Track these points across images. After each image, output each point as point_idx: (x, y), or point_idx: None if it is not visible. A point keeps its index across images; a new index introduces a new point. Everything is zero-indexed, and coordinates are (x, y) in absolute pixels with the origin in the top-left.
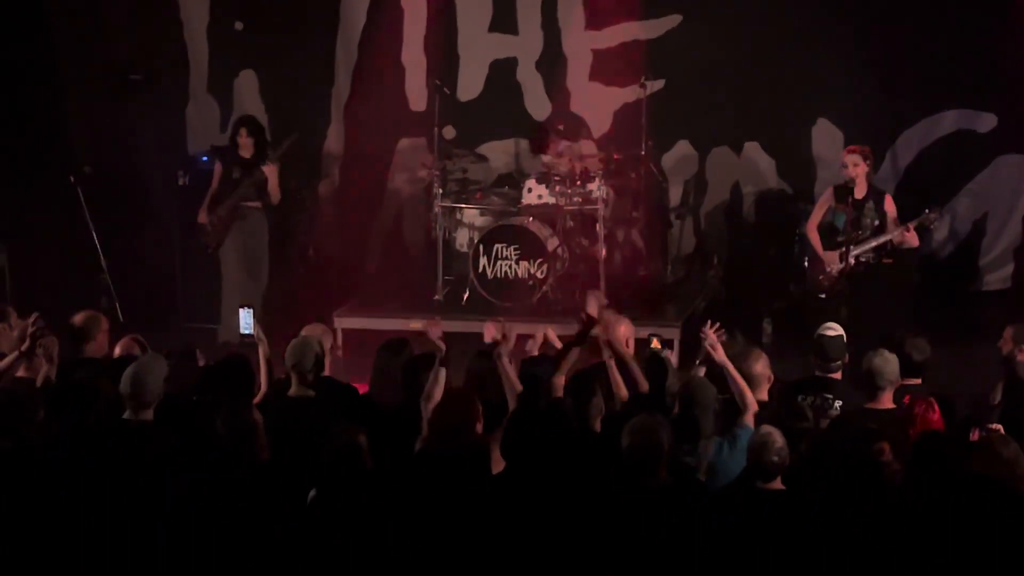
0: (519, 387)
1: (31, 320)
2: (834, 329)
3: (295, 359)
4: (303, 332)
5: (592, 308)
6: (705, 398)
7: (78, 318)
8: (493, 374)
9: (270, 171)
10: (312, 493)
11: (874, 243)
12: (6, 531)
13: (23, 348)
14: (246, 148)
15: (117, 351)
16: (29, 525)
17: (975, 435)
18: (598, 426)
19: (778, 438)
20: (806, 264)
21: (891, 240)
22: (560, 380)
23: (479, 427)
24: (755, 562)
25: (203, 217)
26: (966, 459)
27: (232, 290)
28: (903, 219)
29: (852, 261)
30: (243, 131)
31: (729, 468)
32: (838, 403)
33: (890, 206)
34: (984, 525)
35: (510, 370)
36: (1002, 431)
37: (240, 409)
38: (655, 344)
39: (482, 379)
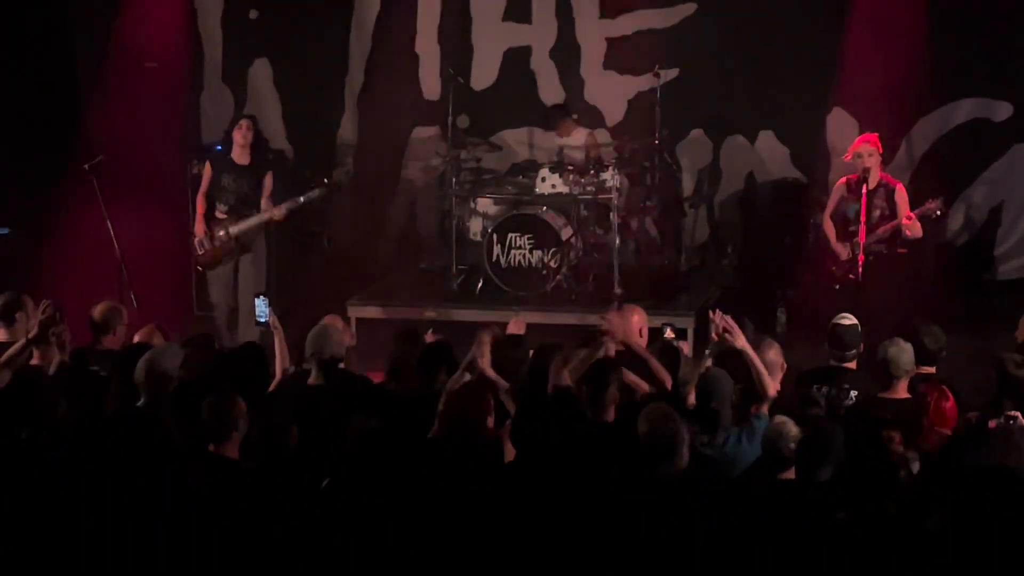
0: (504, 384)
1: (42, 307)
2: (849, 318)
3: (315, 347)
4: (323, 321)
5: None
6: (724, 388)
7: (97, 310)
8: (513, 363)
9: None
10: (326, 481)
11: (880, 233)
12: (21, 519)
13: (31, 335)
14: (243, 146)
15: (137, 338)
16: (44, 513)
17: (993, 423)
18: (612, 415)
19: (792, 427)
20: (821, 253)
21: (897, 229)
22: (565, 371)
23: (491, 420)
24: (770, 552)
25: (200, 228)
26: (984, 448)
27: (224, 317)
28: (913, 208)
29: (862, 251)
30: (245, 123)
31: (747, 457)
32: (853, 392)
33: (901, 196)
34: (1000, 515)
35: (491, 372)
36: (1021, 419)
37: (225, 396)
38: (668, 334)
39: (501, 368)
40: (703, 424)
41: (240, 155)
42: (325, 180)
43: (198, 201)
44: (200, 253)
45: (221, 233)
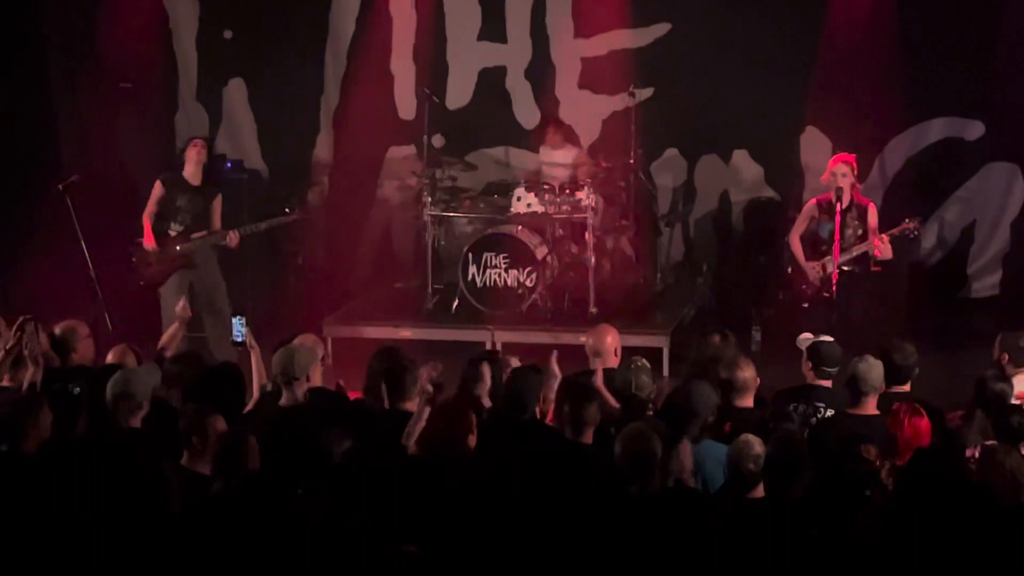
0: (487, 405)
1: (19, 322)
2: (827, 338)
3: (281, 367)
4: (295, 341)
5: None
6: (700, 403)
7: (57, 329)
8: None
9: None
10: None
11: (855, 253)
12: None
13: (7, 345)
14: (197, 164)
15: (109, 358)
16: (17, 533)
17: (969, 452)
18: (590, 436)
19: (756, 445)
20: (790, 272)
21: (868, 250)
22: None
23: (472, 439)
24: (746, 570)
25: (151, 243)
26: (966, 469)
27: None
28: (886, 228)
29: (834, 271)
30: (200, 142)
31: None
32: (829, 411)
33: (872, 216)
34: (985, 534)
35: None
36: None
37: (199, 411)
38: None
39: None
40: (682, 434)
41: (193, 175)
42: (288, 210)
43: (145, 220)
44: (147, 269)
45: (174, 249)
